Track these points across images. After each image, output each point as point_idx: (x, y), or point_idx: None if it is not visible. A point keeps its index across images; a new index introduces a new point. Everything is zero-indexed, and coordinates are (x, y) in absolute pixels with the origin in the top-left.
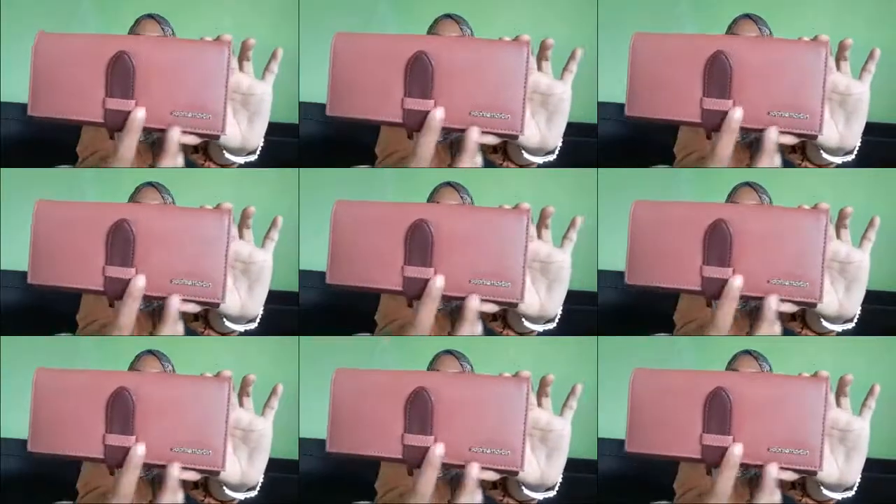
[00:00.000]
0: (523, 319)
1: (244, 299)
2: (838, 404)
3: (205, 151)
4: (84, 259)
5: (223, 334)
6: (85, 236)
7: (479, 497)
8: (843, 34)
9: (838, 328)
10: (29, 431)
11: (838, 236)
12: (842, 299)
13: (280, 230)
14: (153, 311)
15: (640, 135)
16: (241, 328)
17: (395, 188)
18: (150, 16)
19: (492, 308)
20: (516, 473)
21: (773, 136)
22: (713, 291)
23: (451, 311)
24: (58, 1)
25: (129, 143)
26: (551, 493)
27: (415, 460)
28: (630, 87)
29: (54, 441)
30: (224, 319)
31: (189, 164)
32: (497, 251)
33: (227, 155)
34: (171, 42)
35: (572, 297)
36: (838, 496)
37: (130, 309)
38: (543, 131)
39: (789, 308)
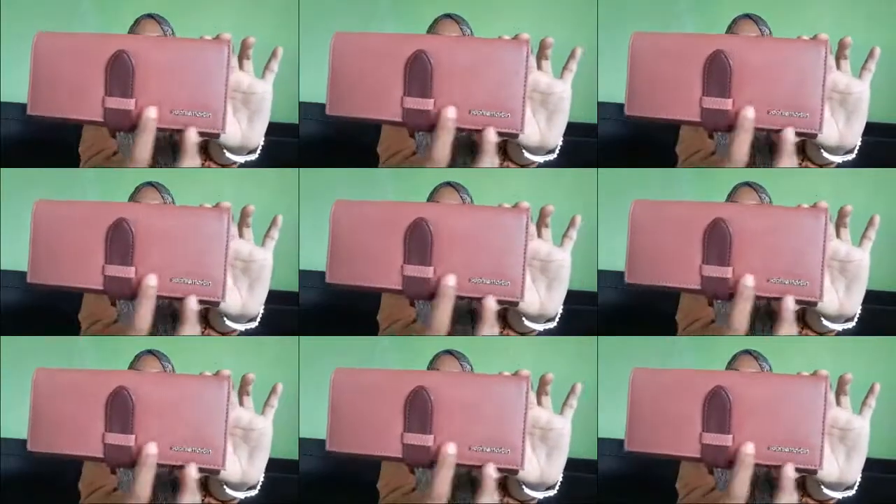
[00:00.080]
0: (523, 319)
1: (245, 298)
2: (838, 403)
3: (205, 151)
4: (84, 258)
5: (223, 334)
6: (84, 235)
7: (496, 497)
8: (843, 34)
9: (839, 327)
10: (28, 431)
11: (838, 235)
12: (842, 298)
13: (280, 229)
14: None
15: (640, 135)
16: (241, 327)
17: (395, 188)
18: (149, 16)
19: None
20: (516, 472)
21: (790, 137)
22: (713, 290)
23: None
24: (58, 1)
25: (144, 143)
26: (552, 493)
27: (415, 459)
28: (629, 87)
29: (54, 440)
30: (224, 318)
31: None
32: (497, 250)
33: (228, 154)
34: (171, 41)
35: (572, 297)
36: (839, 495)
37: (146, 309)
38: (544, 130)
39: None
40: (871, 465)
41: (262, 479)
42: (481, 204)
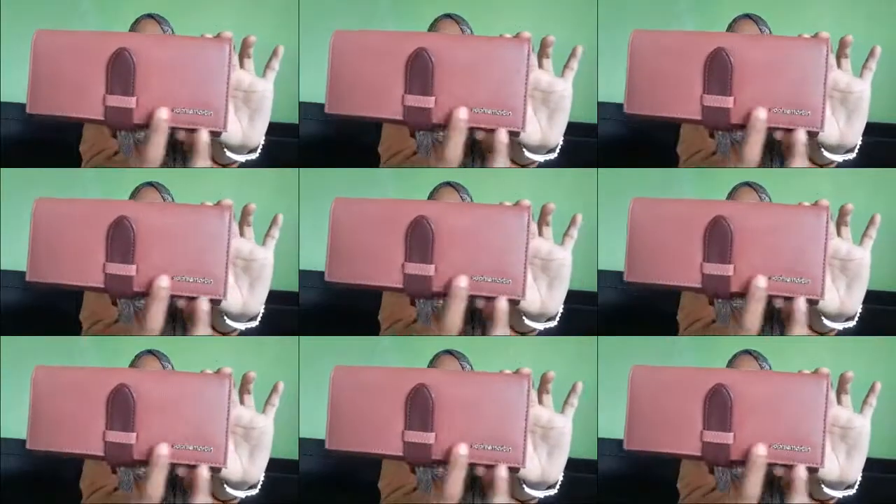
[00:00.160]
0: (524, 318)
1: (245, 297)
2: (839, 402)
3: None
4: (84, 256)
5: (224, 333)
6: (85, 233)
7: (507, 497)
8: (844, 33)
9: (839, 326)
10: (27, 430)
11: (839, 234)
12: (843, 297)
13: (280, 228)
14: (146, 311)
15: (641, 135)
16: (242, 326)
17: (395, 188)
18: (149, 15)
19: (482, 303)
20: (518, 470)
21: (802, 138)
22: (713, 289)
23: None
24: (58, 1)
25: (157, 143)
26: (552, 492)
27: (415, 457)
28: (629, 85)
29: (54, 439)
30: (225, 318)
31: (189, 163)
32: (498, 248)
33: (229, 153)
34: (172, 39)
35: (572, 297)
36: (839, 494)
37: (157, 310)
38: (545, 129)
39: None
40: (871, 465)
41: (262, 478)
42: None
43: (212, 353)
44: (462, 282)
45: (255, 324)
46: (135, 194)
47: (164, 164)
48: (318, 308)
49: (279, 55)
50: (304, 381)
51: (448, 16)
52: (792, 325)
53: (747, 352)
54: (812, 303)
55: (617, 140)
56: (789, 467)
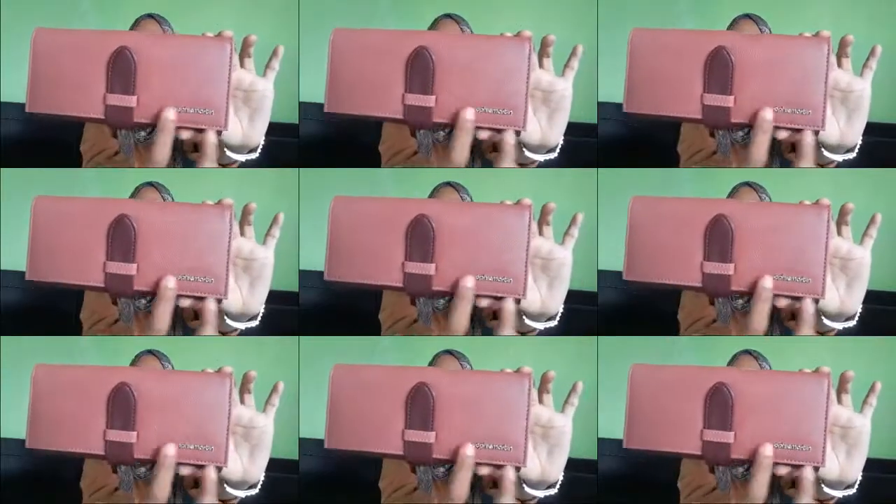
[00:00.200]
0: (524, 317)
1: (246, 297)
2: (839, 401)
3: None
4: (84, 255)
5: (223, 333)
6: (85, 232)
7: (513, 498)
8: (844, 33)
9: (839, 326)
10: (27, 428)
11: (839, 233)
12: (843, 296)
13: (281, 227)
14: (152, 312)
15: (640, 135)
16: (242, 326)
17: (395, 188)
18: (149, 16)
19: (487, 302)
20: (519, 469)
21: (810, 140)
22: (714, 288)
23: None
24: (57, 1)
25: (164, 144)
26: (552, 491)
27: (416, 456)
28: (628, 83)
29: (53, 437)
30: (225, 317)
31: (189, 163)
32: (499, 247)
33: (229, 153)
34: (173, 37)
35: (572, 297)
36: (839, 494)
37: (164, 311)
38: (545, 128)
39: (785, 303)
40: (871, 465)
41: (262, 478)
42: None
43: (212, 353)
44: (469, 282)
45: (255, 323)
46: (135, 194)
47: (166, 164)
48: (318, 308)
49: (279, 55)
50: (304, 381)
51: (448, 16)
52: (800, 325)
53: (747, 352)
54: (813, 301)
55: (617, 140)
56: (793, 467)
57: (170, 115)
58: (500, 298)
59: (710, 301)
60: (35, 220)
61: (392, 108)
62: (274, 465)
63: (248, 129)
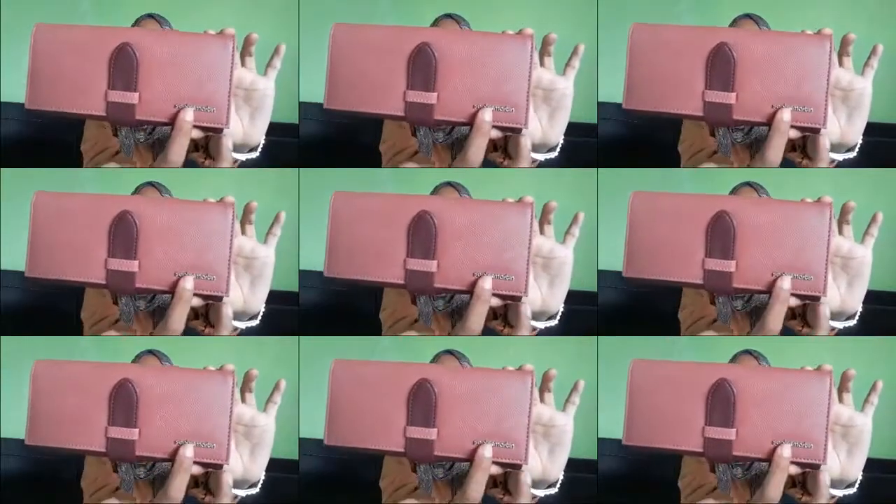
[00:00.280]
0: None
1: (246, 295)
2: (841, 400)
3: (206, 149)
4: (85, 251)
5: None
6: (86, 229)
7: (528, 499)
8: (845, 32)
9: (840, 325)
10: (26, 425)
11: (840, 232)
12: (844, 295)
13: (282, 226)
14: (154, 311)
15: (641, 134)
16: (242, 325)
17: (395, 188)
18: (150, 15)
19: (496, 302)
20: (520, 467)
21: (825, 143)
22: (715, 285)
23: (452, 312)
24: (57, 1)
25: (180, 145)
26: (553, 490)
27: (417, 454)
28: (628, 80)
29: (54, 434)
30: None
31: (190, 163)
32: (501, 244)
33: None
34: (174, 34)
35: (572, 297)
36: (840, 493)
37: (181, 312)
38: (546, 127)
39: (794, 302)
40: (871, 465)
41: (263, 476)
42: None
43: (212, 353)
44: (487, 283)
45: (255, 322)
46: (135, 194)
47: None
48: (318, 308)
49: (281, 53)
50: (304, 380)
51: (448, 16)
52: (815, 328)
53: (747, 352)
54: (814, 299)
55: (617, 140)
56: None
57: (187, 116)
58: (506, 298)
59: (710, 300)
60: (35, 215)
61: (393, 105)
62: (274, 464)
63: (248, 127)
